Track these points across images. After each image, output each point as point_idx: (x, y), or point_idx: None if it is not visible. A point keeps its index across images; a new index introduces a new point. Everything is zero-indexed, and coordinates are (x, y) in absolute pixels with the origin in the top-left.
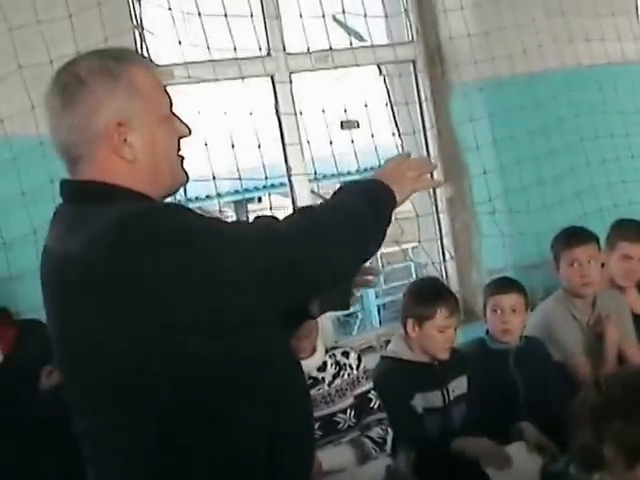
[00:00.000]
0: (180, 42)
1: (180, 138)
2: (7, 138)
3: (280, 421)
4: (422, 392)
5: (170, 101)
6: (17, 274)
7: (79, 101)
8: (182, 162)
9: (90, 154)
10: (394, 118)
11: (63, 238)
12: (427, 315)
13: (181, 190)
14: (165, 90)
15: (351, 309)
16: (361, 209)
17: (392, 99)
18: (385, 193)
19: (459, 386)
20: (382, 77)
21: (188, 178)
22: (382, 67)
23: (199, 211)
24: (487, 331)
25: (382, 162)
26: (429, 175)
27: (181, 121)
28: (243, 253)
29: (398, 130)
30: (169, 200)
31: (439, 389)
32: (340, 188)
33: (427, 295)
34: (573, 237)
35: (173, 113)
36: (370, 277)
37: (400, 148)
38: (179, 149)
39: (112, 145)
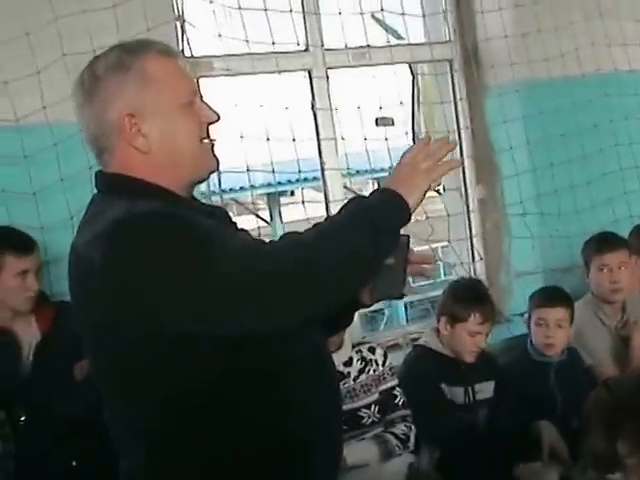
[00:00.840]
0: (220, 35)
1: (208, 124)
2: (49, 125)
3: (297, 424)
4: (447, 384)
5: (194, 87)
6: (53, 258)
7: (95, 96)
8: (212, 148)
9: (109, 147)
10: (412, 117)
11: (82, 229)
12: (461, 317)
13: (215, 181)
14: (187, 76)
15: (404, 298)
16: (360, 238)
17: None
18: (393, 208)
19: (485, 390)
20: (413, 76)
21: (219, 164)
22: (414, 66)
23: (203, 223)
24: (530, 341)
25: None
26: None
27: (208, 107)
28: (220, 277)
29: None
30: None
31: (463, 386)
32: (345, 205)
33: (464, 297)
34: (604, 243)
35: (201, 99)
36: (426, 265)
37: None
38: (208, 135)
39: (126, 137)
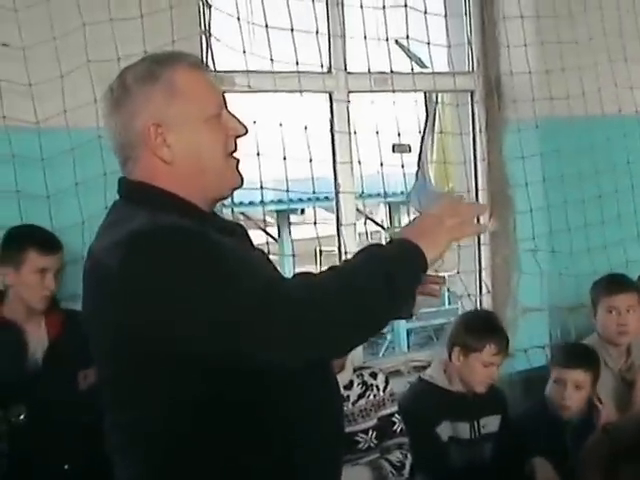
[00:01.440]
0: (244, 51)
1: (236, 137)
2: (68, 129)
3: (297, 444)
4: (450, 421)
5: (222, 100)
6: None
7: (122, 105)
8: (237, 164)
9: (134, 156)
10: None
11: (101, 234)
12: (475, 347)
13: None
14: (215, 89)
15: (414, 317)
16: (374, 290)
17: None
18: (410, 262)
19: (490, 424)
20: (433, 105)
21: (242, 181)
22: (433, 94)
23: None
24: (545, 397)
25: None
26: (476, 219)
27: (236, 120)
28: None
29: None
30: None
31: (469, 421)
32: (362, 251)
33: (479, 328)
34: (614, 284)
35: (228, 112)
36: (435, 286)
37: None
38: (235, 149)
39: (151, 146)
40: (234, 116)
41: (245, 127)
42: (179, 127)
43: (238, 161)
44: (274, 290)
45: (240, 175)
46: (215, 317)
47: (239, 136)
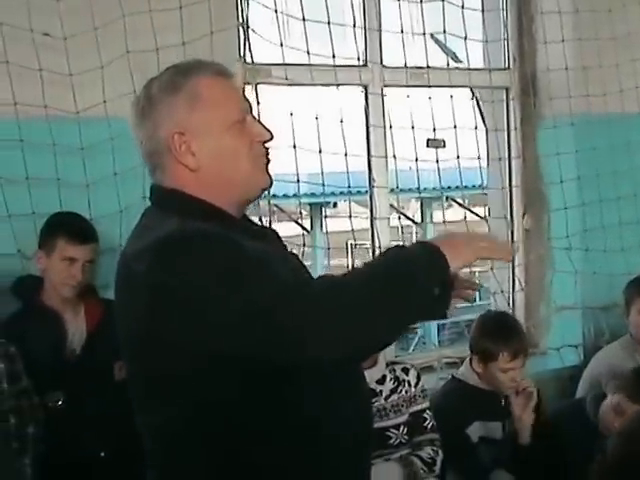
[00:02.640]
0: (282, 44)
1: (263, 142)
2: (107, 119)
3: (323, 442)
4: (482, 420)
5: (246, 107)
6: (100, 250)
7: (147, 115)
8: (266, 166)
9: (161, 164)
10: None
11: (132, 240)
12: (491, 356)
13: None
14: (239, 96)
15: (449, 317)
16: (397, 290)
17: (486, 124)
18: (434, 266)
19: None
20: (474, 100)
21: (272, 183)
22: (476, 91)
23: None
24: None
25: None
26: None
27: (261, 125)
28: (252, 314)
29: (488, 155)
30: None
31: (501, 421)
32: (386, 252)
33: (492, 333)
34: None
35: (253, 117)
36: (470, 291)
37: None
38: (265, 154)
39: (176, 155)
40: (259, 122)
41: (270, 132)
42: (202, 134)
43: (268, 162)
44: (299, 289)
45: (269, 175)
46: (242, 316)
47: (265, 141)
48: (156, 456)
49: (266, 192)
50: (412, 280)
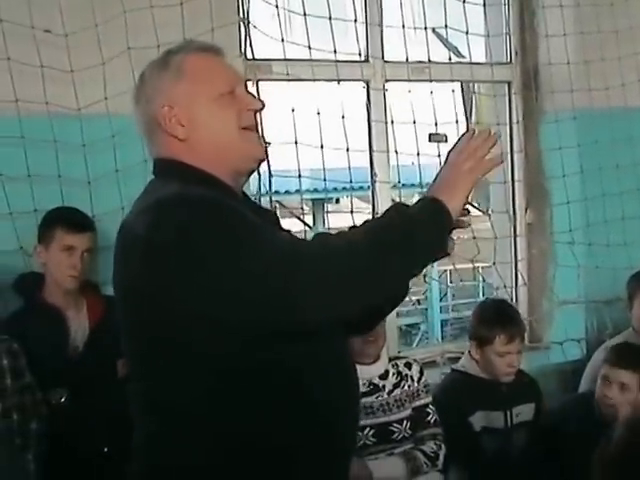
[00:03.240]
0: (282, 39)
1: (254, 113)
2: (109, 116)
3: (310, 420)
4: (484, 410)
5: (236, 79)
6: (102, 246)
7: (140, 95)
8: (259, 137)
9: (155, 139)
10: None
11: (134, 207)
12: (486, 340)
13: (266, 182)
14: (227, 69)
15: (450, 252)
16: (396, 248)
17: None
18: (432, 219)
19: (524, 412)
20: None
21: (267, 153)
22: (470, 85)
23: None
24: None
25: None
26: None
27: (252, 95)
28: (249, 272)
29: None
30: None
31: (502, 410)
32: (386, 212)
33: (488, 319)
34: None
35: (244, 89)
36: (462, 218)
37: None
38: (254, 123)
39: (166, 127)
40: (250, 93)
41: (261, 102)
42: (190, 106)
43: (259, 135)
44: (298, 247)
45: (263, 146)
46: (236, 281)
47: (256, 111)
48: (145, 422)
49: (267, 188)
50: (410, 244)
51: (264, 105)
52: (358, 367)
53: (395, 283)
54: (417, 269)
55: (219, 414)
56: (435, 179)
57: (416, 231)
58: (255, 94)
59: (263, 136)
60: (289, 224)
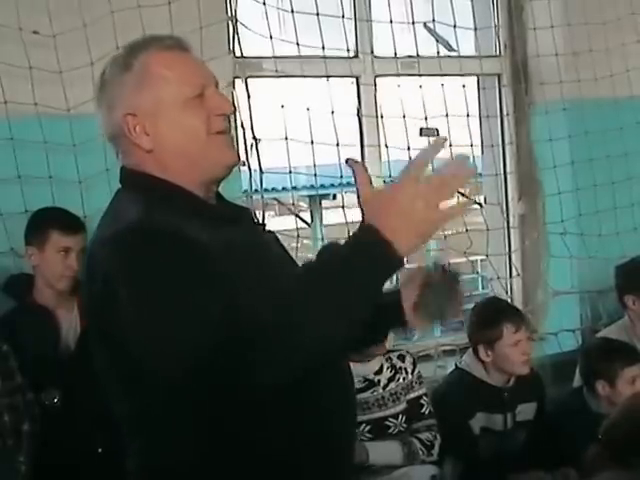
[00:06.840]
0: (271, 37)
1: (225, 117)
2: (97, 116)
3: (306, 436)
4: (485, 412)
5: (204, 80)
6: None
7: (102, 100)
8: (230, 142)
9: (120, 147)
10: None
11: (100, 225)
12: (495, 337)
13: (257, 180)
14: (196, 69)
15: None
16: (333, 297)
17: (481, 111)
18: (372, 265)
19: (525, 412)
20: (471, 88)
21: (238, 158)
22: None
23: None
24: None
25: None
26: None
27: (221, 98)
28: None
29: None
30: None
31: (502, 413)
32: (322, 252)
33: (490, 317)
34: None
35: (214, 90)
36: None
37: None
38: (222, 129)
39: (130, 137)
40: (220, 94)
41: (231, 105)
42: (155, 114)
43: (230, 139)
44: (231, 315)
45: (234, 151)
46: (178, 325)
47: (225, 115)
48: (138, 433)
49: (259, 185)
50: (348, 289)
51: (234, 109)
52: (353, 365)
53: (337, 331)
54: (360, 311)
55: (218, 419)
56: (382, 198)
57: (357, 279)
58: (244, 92)
59: (253, 136)
60: (287, 221)
